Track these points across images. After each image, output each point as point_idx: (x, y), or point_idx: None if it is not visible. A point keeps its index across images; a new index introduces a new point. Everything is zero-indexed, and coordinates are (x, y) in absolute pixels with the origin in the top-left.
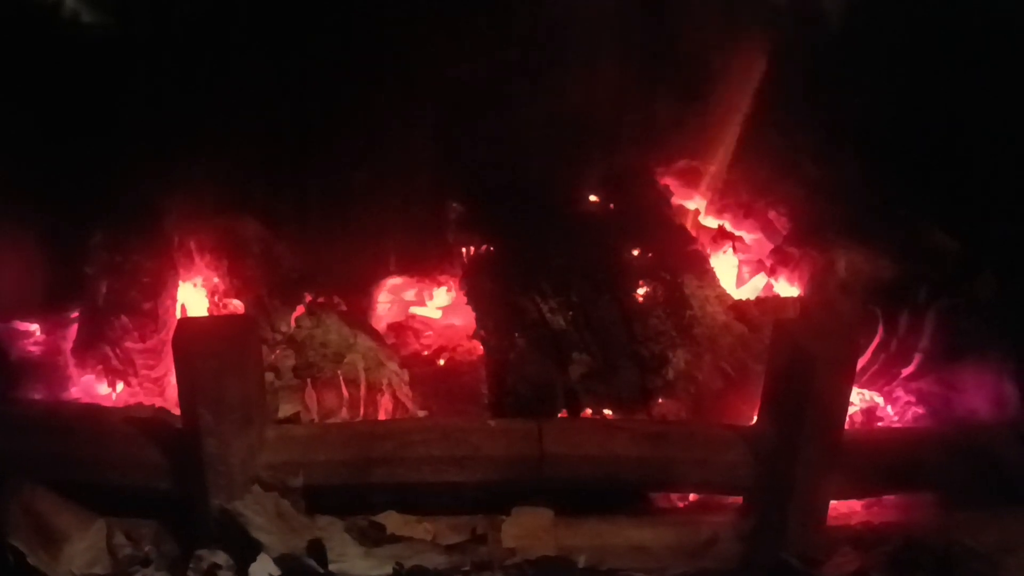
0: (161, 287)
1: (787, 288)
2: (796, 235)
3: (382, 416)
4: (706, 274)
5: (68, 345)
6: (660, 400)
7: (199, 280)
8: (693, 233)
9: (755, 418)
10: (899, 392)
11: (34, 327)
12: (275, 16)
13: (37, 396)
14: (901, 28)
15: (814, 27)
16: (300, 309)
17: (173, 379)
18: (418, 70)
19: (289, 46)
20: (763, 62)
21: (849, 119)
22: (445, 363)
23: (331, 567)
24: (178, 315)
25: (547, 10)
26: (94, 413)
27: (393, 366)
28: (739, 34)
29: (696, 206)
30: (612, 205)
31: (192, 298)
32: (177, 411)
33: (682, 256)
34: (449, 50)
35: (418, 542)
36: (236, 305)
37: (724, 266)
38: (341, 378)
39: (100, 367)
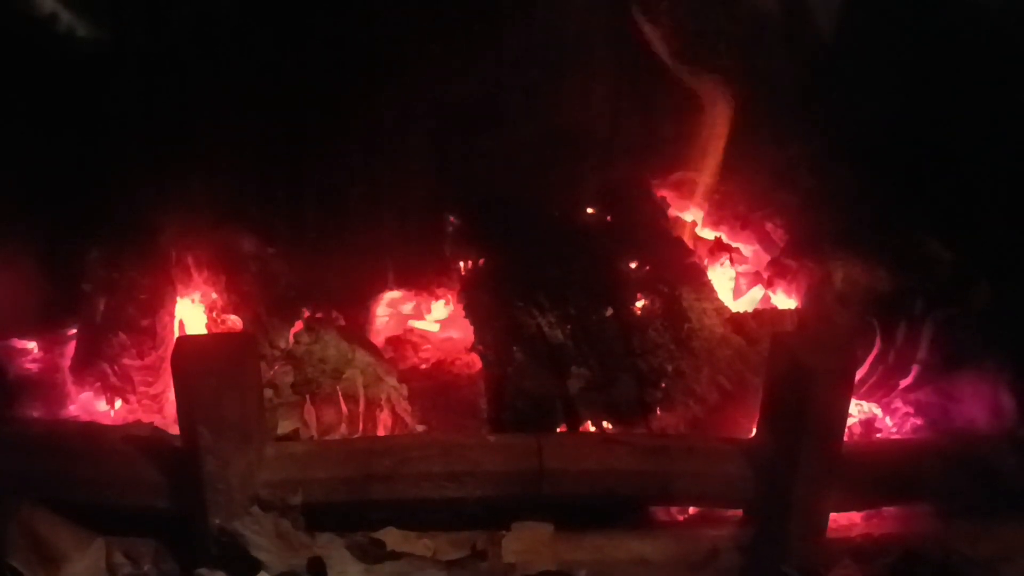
0: (159, 304)
1: (784, 300)
2: (793, 247)
3: (381, 432)
4: (704, 286)
5: (66, 362)
6: (659, 413)
7: (197, 296)
8: (690, 245)
9: (754, 431)
10: (897, 403)
11: (32, 345)
12: (270, 32)
13: (35, 414)
14: (894, 40)
15: (808, 39)
16: (298, 325)
17: (171, 396)
18: (414, 85)
19: (284, 62)
20: (758, 74)
21: (844, 130)
22: (443, 377)
23: None
24: (176, 331)
25: (541, 25)
26: (92, 431)
27: (392, 381)
28: (734, 45)
29: (693, 218)
30: (609, 218)
31: (190, 314)
32: (176, 428)
33: (680, 268)
34: (444, 65)
35: (418, 558)
36: (234, 321)
37: (721, 278)
38: (340, 394)
39: (98, 384)
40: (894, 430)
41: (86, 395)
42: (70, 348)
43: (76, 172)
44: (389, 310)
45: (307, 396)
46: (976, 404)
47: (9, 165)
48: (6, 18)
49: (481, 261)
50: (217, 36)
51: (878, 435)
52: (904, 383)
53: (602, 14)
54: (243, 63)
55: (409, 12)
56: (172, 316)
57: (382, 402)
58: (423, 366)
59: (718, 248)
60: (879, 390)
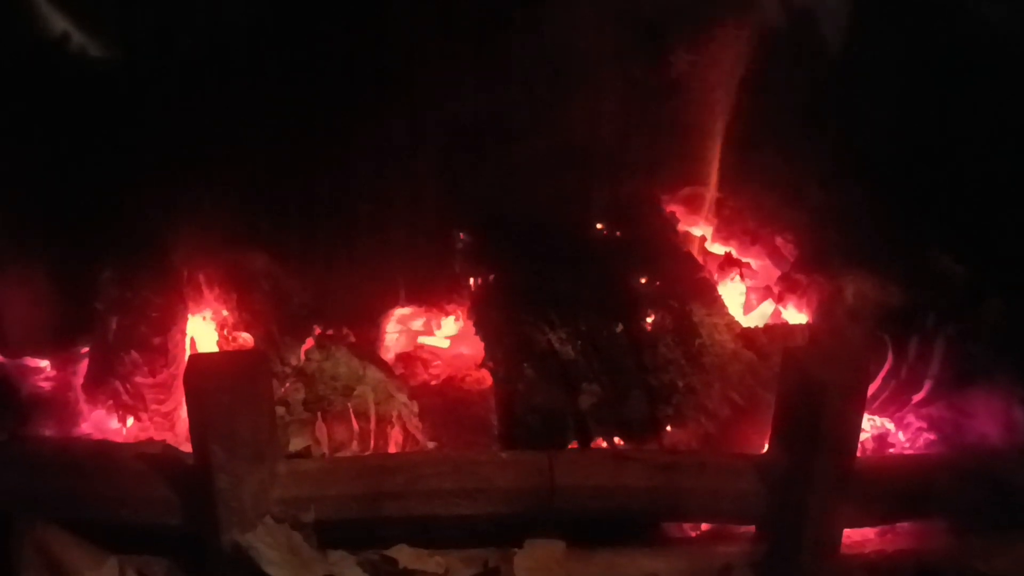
0: (170, 322)
1: (795, 315)
2: (803, 262)
3: (392, 448)
4: (714, 302)
5: (79, 381)
6: (670, 429)
7: (208, 314)
8: (700, 260)
9: (766, 447)
10: (910, 418)
11: (45, 363)
12: (281, 51)
13: (48, 432)
14: (904, 55)
15: (818, 55)
16: (309, 342)
17: (183, 413)
18: (423, 103)
19: (294, 80)
20: (767, 89)
21: (854, 145)
22: (454, 393)
23: None
24: (188, 349)
25: (550, 42)
26: (105, 450)
27: (403, 398)
28: (743, 62)
29: (702, 233)
30: (619, 233)
31: (201, 332)
32: (188, 446)
33: (690, 284)
34: (453, 82)
35: None
36: (245, 339)
37: (731, 293)
38: (351, 411)
39: (110, 402)
40: (907, 445)
41: (98, 413)
42: (82, 366)
43: (88, 191)
44: (399, 327)
45: (319, 413)
46: (989, 419)
47: (21, 184)
48: (18, 38)
49: (491, 277)
50: (228, 55)
51: (891, 450)
52: (917, 398)
53: (610, 30)
54: (254, 82)
55: (418, 30)
56: (184, 334)
57: (393, 419)
58: (433, 383)
59: (728, 263)
60: (892, 405)
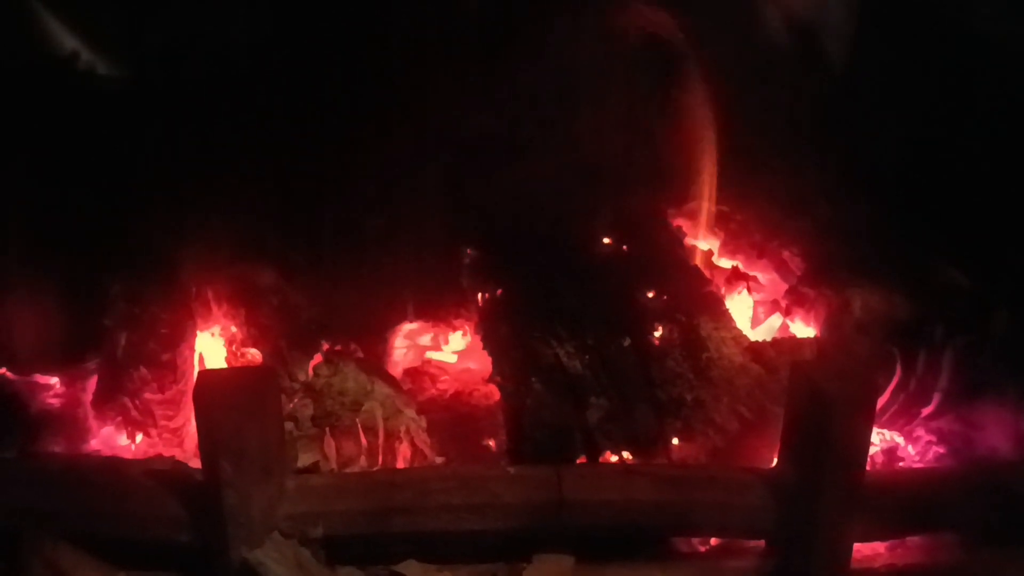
0: (179, 338)
1: (803, 329)
2: (811, 275)
3: (400, 464)
4: (722, 315)
5: (88, 397)
6: (679, 443)
7: (217, 329)
8: (707, 274)
9: (775, 460)
10: (919, 431)
11: (54, 380)
12: (288, 68)
13: (57, 449)
14: (908, 70)
15: (822, 70)
16: (317, 357)
17: (192, 429)
18: (431, 120)
19: (303, 97)
20: (773, 105)
21: (860, 159)
22: (462, 408)
23: None
24: (196, 365)
25: (556, 60)
26: (114, 466)
27: (411, 413)
28: (749, 77)
29: (709, 247)
30: (625, 247)
31: (210, 348)
32: (196, 462)
33: (697, 297)
34: (461, 100)
35: None
36: (254, 354)
37: (739, 307)
38: (359, 426)
39: (119, 418)
40: (916, 459)
41: (107, 429)
42: (92, 383)
43: (97, 208)
44: (407, 342)
45: (327, 429)
46: (998, 431)
47: (32, 202)
48: (28, 56)
49: (498, 292)
50: (236, 74)
51: (900, 464)
52: (926, 411)
53: (615, 48)
54: (262, 99)
55: (426, 49)
56: (192, 350)
57: (401, 434)
58: (441, 397)
59: (735, 277)
60: (901, 418)
